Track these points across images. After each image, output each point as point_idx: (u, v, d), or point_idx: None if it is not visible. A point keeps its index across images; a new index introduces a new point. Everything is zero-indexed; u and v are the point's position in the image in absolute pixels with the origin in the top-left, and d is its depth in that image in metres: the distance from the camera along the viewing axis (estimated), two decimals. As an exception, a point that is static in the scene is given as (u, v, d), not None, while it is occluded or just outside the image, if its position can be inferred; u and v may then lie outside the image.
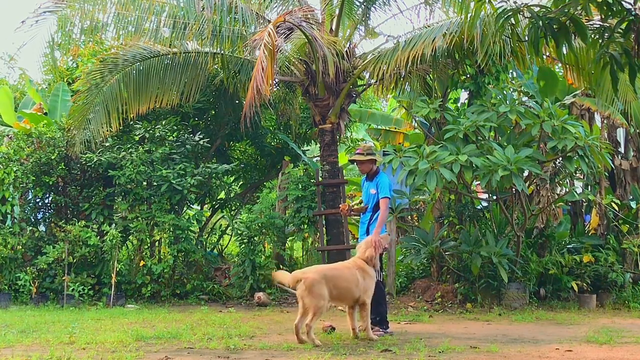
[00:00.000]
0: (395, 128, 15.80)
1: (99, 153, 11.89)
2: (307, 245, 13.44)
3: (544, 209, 11.48)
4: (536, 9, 5.62)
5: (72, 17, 11.07)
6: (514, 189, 10.64)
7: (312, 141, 15.43)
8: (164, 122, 12.58)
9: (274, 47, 9.74)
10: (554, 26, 5.53)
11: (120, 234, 11.39)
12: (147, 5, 11.42)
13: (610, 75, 5.70)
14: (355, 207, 8.73)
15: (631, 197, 12.39)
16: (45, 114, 13.90)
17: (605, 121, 12.32)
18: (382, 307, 7.94)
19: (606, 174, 11.92)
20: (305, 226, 12.17)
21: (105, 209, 11.99)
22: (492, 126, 10.25)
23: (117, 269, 11.21)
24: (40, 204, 12.44)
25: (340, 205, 8.64)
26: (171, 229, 11.58)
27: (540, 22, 5.52)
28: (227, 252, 15.30)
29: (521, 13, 5.73)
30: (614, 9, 5.46)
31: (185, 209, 13.01)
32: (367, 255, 7.55)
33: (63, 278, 11.06)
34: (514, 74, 12.46)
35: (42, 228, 12.23)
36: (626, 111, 11.32)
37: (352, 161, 8.78)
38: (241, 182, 15.81)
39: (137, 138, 12.45)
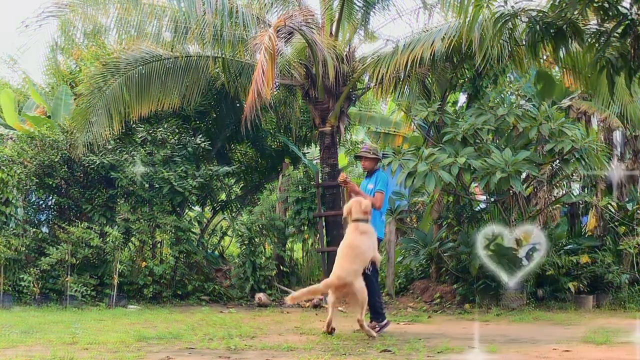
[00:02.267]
0: (395, 130, 15.89)
1: (101, 155, 11.95)
2: (307, 246, 13.52)
3: (541, 210, 11.56)
4: (534, 13, 5.71)
5: (75, 21, 11.16)
6: (512, 191, 10.72)
7: (312, 143, 15.50)
8: (165, 125, 12.66)
9: (274, 50, 9.84)
10: (552, 30, 5.62)
11: (122, 235, 11.44)
12: (149, 9, 11.50)
13: (607, 78, 5.80)
14: (350, 182, 8.56)
15: (627, 199, 12.47)
16: (48, 116, 13.95)
17: (602, 124, 12.41)
18: (374, 300, 7.94)
19: (603, 176, 12.00)
20: (306, 227, 12.25)
21: (107, 211, 12.03)
22: (490, 129, 10.33)
23: (119, 270, 11.28)
24: (42, 205, 12.51)
25: (342, 174, 8.67)
26: (172, 230, 11.65)
27: (538, 26, 5.62)
28: (228, 254, 15.35)
29: (519, 17, 5.82)
30: (611, 13, 5.55)
31: (186, 210, 13.09)
32: (364, 208, 7.71)
33: (65, 279, 11.09)
34: (512, 77, 12.54)
35: (44, 229, 12.27)
36: (623, 114, 11.41)
37: (357, 157, 8.90)
38: (242, 184, 15.86)
39: (139, 140, 12.51)
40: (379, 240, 8.21)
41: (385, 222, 8.69)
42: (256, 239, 11.99)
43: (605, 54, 5.71)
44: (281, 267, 12.61)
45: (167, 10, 11.63)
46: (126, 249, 12.43)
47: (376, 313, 8.02)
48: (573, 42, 6.06)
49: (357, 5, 12.53)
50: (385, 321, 8.02)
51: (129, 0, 11.25)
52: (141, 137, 12.45)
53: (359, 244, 7.64)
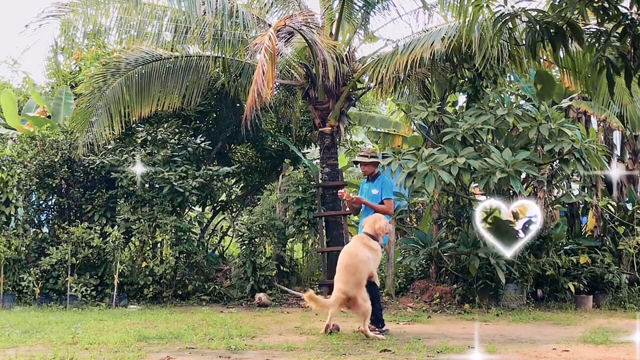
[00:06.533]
0: (394, 131, 15.93)
1: (101, 155, 11.99)
2: (307, 246, 13.55)
3: (541, 210, 11.57)
4: (533, 13, 5.72)
5: (75, 22, 11.15)
6: (511, 191, 10.75)
7: (312, 144, 15.53)
8: (165, 125, 12.68)
9: (274, 51, 9.86)
10: (551, 30, 5.63)
11: (122, 236, 11.48)
12: (149, 9, 11.53)
13: (607, 78, 5.80)
14: (354, 196, 8.65)
15: (627, 199, 12.50)
16: (49, 117, 14.00)
17: (601, 124, 12.45)
18: (375, 306, 7.93)
19: (602, 176, 12.03)
20: (306, 228, 12.26)
21: (108, 211, 12.06)
22: (490, 129, 10.37)
23: (120, 270, 11.30)
24: (43, 206, 12.54)
25: (340, 191, 8.75)
26: (173, 231, 11.65)
27: (538, 26, 5.62)
28: (228, 254, 15.39)
29: (518, 17, 5.82)
30: (611, 13, 5.56)
31: (186, 210, 13.10)
32: (377, 228, 7.83)
33: (66, 279, 11.14)
34: (512, 77, 12.58)
35: (45, 230, 12.32)
36: (622, 114, 11.44)
37: (355, 162, 8.93)
38: (242, 184, 15.89)
39: (139, 141, 12.54)
40: (382, 244, 8.24)
41: None
42: (256, 239, 12.00)
43: (604, 54, 5.72)
44: (281, 267, 12.63)
45: (168, 11, 11.65)
46: (127, 249, 12.45)
47: (376, 319, 8.05)
48: (573, 42, 6.07)
49: (357, 6, 12.56)
50: (384, 328, 8.03)
51: (129, 0, 11.27)
52: (141, 137, 12.47)
53: (357, 253, 7.70)
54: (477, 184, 10.87)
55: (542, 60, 11.45)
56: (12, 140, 12.62)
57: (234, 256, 14.16)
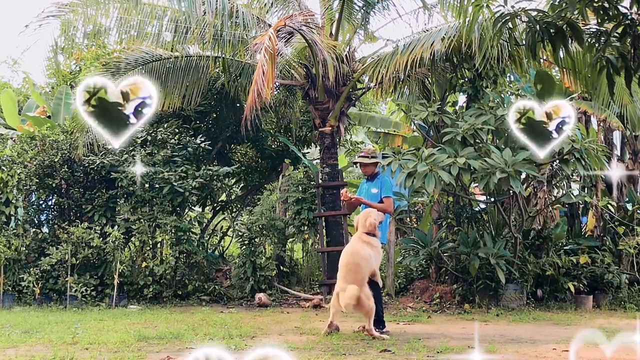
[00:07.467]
0: (394, 131, 15.93)
1: (101, 156, 11.98)
2: (307, 246, 13.55)
3: (541, 210, 11.58)
4: (533, 14, 5.72)
5: (75, 22, 11.15)
6: (511, 191, 10.74)
7: (312, 144, 15.54)
8: (165, 125, 12.68)
9: (274, 51, 9.86)
10: (551, 30, 5.62)
11: (122, 236, 11.47)
12: (149, 9, 11.54)
13: (607, 78, 5.79)
14: (353, 197, 8.57)
15: (627, 199, 12.50)
16: (49, 117, 13.98)
17: (601, 124, 12.45)
18: (377, 307, 7.92)
19: (602, 176, 12.03)
20: (306, 228, 12.26)
21: (108, 211, 12.05)
22: (490, 129, 10.36)
23: (120, 270, 11.29)
24: (43, 206, 12.53)
25: (342, 191, 8.71)
26: (173, 231, 11.66)
27: (538, 27, 5.62)
28: (228, 254, 15.38)
29: (518, 17, 5.82)
30: (611, 13, 5.56)
31: (186, 210, 13.10)
32: (368, 225, 7.79)
33: (66, 279, 11.13)
34: (512, 77, 12.56)
35: (45, 230, 12.32)
36: (622, 114, 11.44)
37: (355, 163, 8.92)
38: (242, 185, 15.88)
39: (139, 141, 12.52)
40: (382, 244, 8.23)
41: (388, 226, 8.68)
42: (256, 239, 12.01)
43: (604, 54, 5.71)
44: (281, 267, 12.63)
45: (168, 11, 11.65)
46: (126, 249, 12.44)
47: (378, 320, 8.04)
48: (573, 42, 6.06)
49: (357, 6, 12.57)
50: (385, 330, 8.03)
51: (129, 0, 11.27)
52: (141, 137, 12.46)
53: (359, 251, 7.70)
54: (477, 184, 10.85)
55: (542, 60, 11.44)
56: (12, 140, 12.62)
57: (234, 256, 14.16)
